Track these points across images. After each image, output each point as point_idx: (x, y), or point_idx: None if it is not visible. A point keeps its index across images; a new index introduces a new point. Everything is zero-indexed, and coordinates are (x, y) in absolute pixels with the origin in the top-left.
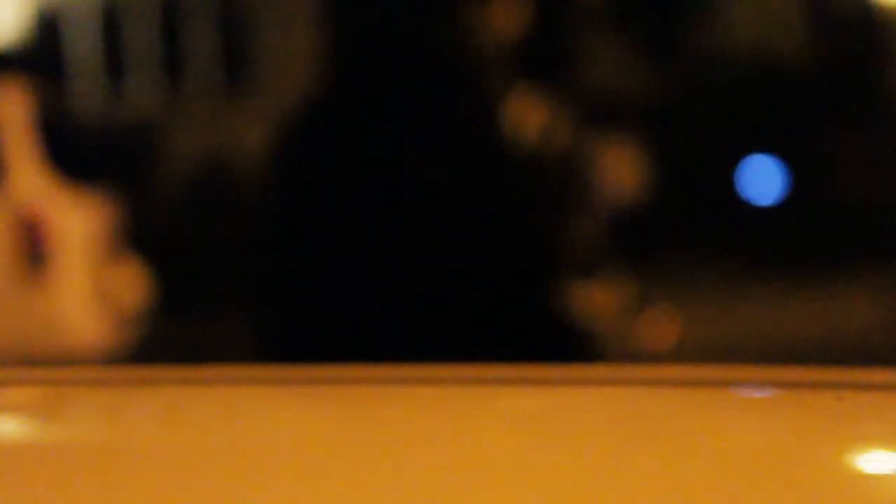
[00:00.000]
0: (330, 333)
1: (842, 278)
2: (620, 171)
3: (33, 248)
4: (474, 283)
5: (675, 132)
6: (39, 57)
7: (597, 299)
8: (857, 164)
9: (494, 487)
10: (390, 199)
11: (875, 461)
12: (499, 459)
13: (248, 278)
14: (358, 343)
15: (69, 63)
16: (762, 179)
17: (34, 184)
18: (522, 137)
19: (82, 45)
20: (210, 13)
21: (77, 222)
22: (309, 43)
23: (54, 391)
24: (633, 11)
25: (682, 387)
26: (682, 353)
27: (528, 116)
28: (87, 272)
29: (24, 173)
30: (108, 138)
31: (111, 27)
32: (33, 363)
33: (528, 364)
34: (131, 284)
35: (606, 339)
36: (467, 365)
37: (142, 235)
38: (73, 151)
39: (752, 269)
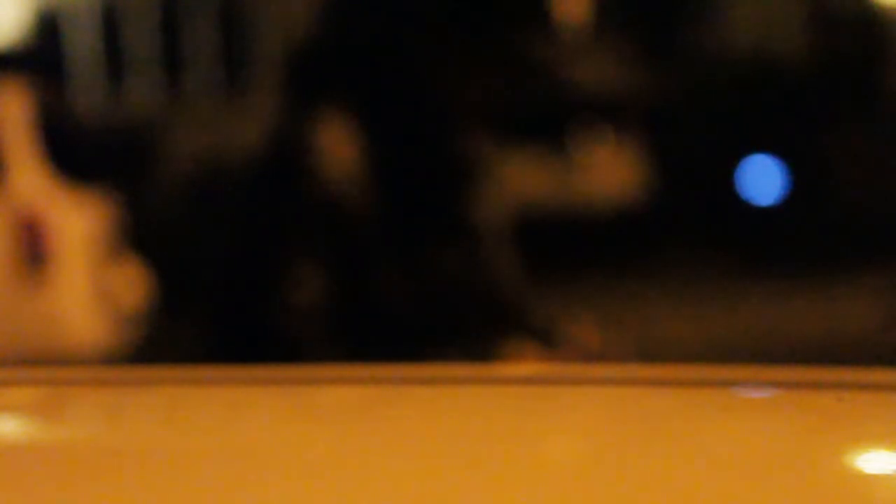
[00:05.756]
0: (331, 334)
1: (842, 278)
2: (619, 171)
3: (33, 248)
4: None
5: (675, 132)
6: (39, 57)
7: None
8: (857, 164)
9: (494, 486)
10: (402, 200)
11: (875, 461)
12: (498, 458)
13: (247, 278)
14: (365, 343)
15: (69, 63)
16: (762, 179)
17: (34, 184)
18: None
19: (82, 45)
20: (210, 13)
21: (77, 222)
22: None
23: (54, 391)
24: (632, 11)
25: (682, 387)
26: (683, 354)
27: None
28: (87, 272)
29: (24, 173)
30: (108, 138)
31: (111, 27)
32: (33, 363)
33: (528, 363)
34: (131, 284)
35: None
36: (468, 365)
37: (142, 235)
38: (73, 151)
39: (752, 269)
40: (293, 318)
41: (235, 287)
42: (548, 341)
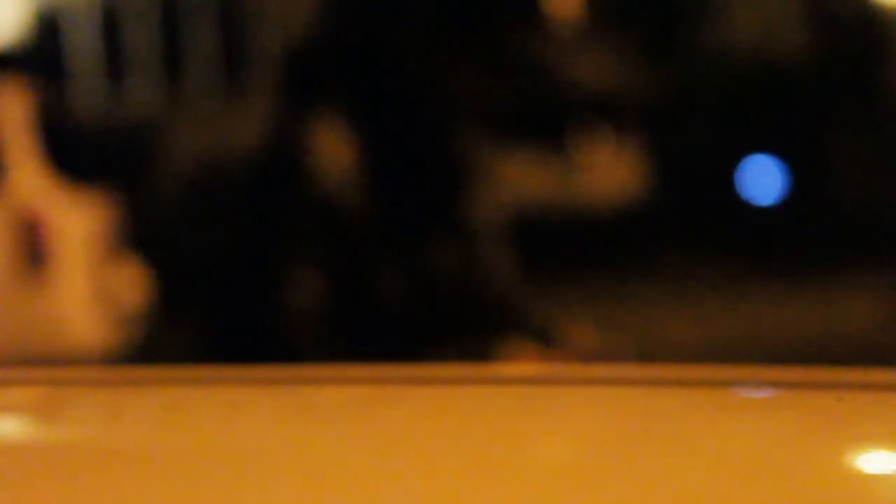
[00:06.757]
0: (331, 333)
1: (842, 278)
2: (619, 171)
3: (33, 248)
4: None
5: (675, 132)
6: (39, 57)
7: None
8: (857, 164)
9: (494, 486)
10: (395, 201)
11: (875, 461)
12: (498, 458)
13: (246, 278)
14: (365, 343)
15: (69, 63)
16: (762, 179)
17: (34, 184)
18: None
19: (82, 45)
20: (210, 13)
21: (77, 222)
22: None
23: (54, 391)
24: (632, 10)
25: (682, 387)
26: (683, 354)
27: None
28: (87, 272)
29: (24, 173)
30: (108, 138)
31: (111, 27)
32: (33, 363)
33: (528, 363)
34: (131, 284)
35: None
36: (468, 365)
37: (142, 235)
38: (73, 151)
39: (752, 269)
40: (293, 318)
41: (235, 287)
42: (547, 341)
